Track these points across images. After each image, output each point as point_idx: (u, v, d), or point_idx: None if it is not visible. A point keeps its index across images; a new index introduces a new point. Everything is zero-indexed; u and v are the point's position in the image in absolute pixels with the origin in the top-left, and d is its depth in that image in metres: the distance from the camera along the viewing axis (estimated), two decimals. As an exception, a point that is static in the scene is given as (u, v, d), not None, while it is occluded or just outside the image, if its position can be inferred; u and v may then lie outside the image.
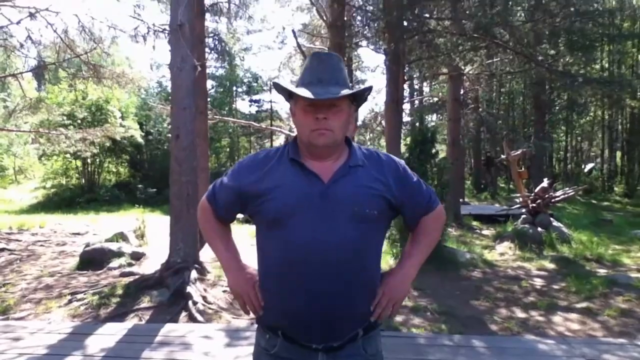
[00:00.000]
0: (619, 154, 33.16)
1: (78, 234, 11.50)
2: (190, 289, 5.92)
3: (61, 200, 20.47)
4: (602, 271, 7.93)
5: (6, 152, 27.68)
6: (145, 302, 5.98)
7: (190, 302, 5.66)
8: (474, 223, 13.60)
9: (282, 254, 1.62)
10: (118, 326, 5.07)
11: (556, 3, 9.39)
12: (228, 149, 30.72)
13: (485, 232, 12.19)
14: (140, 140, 22.02)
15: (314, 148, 1.64)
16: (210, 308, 5.69)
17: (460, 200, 16.27)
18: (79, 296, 6.28)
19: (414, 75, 17.92)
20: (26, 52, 12.20)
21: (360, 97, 1.73)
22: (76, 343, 4.49)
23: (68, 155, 21.34)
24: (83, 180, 22.52)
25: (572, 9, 10.37)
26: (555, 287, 7.08)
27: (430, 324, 5.54)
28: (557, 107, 28.08)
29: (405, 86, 19.16)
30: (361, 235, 1.61)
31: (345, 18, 11.50)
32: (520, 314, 5.96)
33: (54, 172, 22.95)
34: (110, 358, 4.21)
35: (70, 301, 6.19)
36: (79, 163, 22.36)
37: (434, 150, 8.55)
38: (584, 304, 6.27)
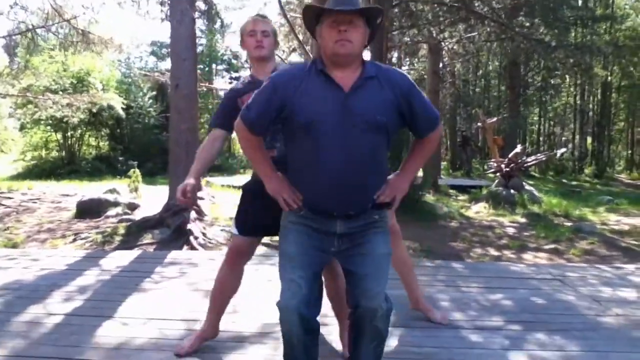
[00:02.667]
0: (589, 138, 34.22)
1: (68, 195, 11.72)
2: (190, 226, 6.34)
3: (41, 172, 20.46)
4: (568, 224, 8.54)
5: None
6: (147, 239, 6.39)
7: (191, 237, 6.09)
8: (451, 191, 14.19)
9: (310, 152, 2.07)
10: (128, 252, 5.48)
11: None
12: (207, 126, 30.93)
13: (461, 197, 12.79)
14: (121, 113, 22.06)
15: (336, 57, 2.04)
16: (210, 242, 6.14)
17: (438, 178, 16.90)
18: (82, 235, 6.65)
19: (395, 46, 18.35)
20: (14, 17, 12.32)
21: (373, 23, 2.13)
22: (92, 263, 4.89)
23: (48, 128, 21.40)
24: (63, 153, 22.53)
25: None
26: (526, 234, 7.69)
27: (413, 259, 6.05)
28: (531, 89, 28.89)
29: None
30: (370, 137, 2.05)
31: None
32: (493, 252, 6.54)
33: (33, 145, 22.91)
34: (127, 272, 4.63)
35: (74, 239, 6.56)
36: (59, 136, 22.37)
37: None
38: (551, 246, 6.88)
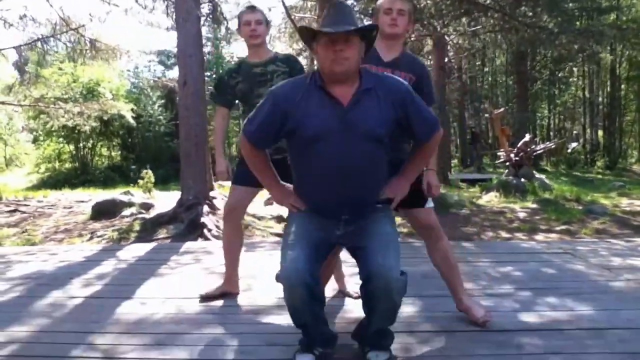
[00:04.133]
0: (600, 131, 33.97)
1: (82, 201, 11.84)
2: (204, 219, 6.44)
3: (55, 182, 20.73)
4: (580, 207, 8.54)
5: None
6: (162, 233, 6.50)
7: (205, 230, 6.18)
8: (461, 184, 14.20)
9: (313, 164, 2.19)
10: (144, 245, 5.60)
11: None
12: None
13: (472, 189, 12.78)
14: (132, 122, 22.26)
15: (334, 75, 2.13)
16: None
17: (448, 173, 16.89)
18: (99, 233, 6.77)
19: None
20: (23, 27, 12.50)
21: (368, 36, 2.21)
22: (109, 254, 5.00)
23: (61, 139, 21.72)
24: (76, 164, 22.82)
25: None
26: (537, 217, 7.71)
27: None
28: (538, 83, 28.80)
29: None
30: (370, 149, 2.16)
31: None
32: (505, 234, 6.58)
33: (47, 157, 23.24)
34: (144, 261, 4.73)
35: (91, 237, 6.68)
36: (71, 147, 22.68)
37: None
38: (563, 227, 6.90)
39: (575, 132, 37.87)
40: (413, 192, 2.56)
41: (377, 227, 2.25)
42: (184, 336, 2.74)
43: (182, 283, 3.87)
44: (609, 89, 32.49)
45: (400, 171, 2.40)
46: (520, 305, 3.15)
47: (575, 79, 32.14)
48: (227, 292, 3.44)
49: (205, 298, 3.38)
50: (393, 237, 2.28)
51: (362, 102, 2.13)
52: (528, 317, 2.93)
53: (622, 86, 32.46)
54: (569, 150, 30.84)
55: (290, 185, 2.37)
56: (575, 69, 29.47)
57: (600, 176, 22.99)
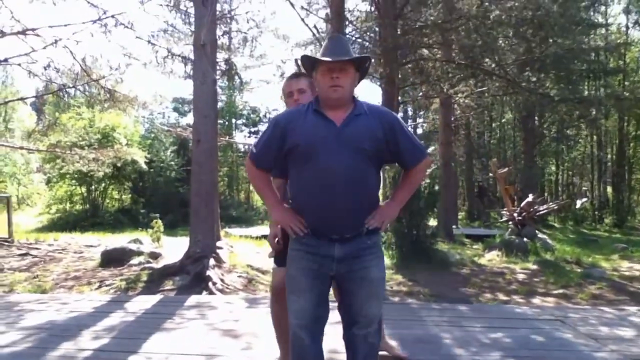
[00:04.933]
0: (610, 188, 33.99)
1: (92, 246, 12.10)
2: (209, 272, 6.66)
3: (65, 224, 21.01)
4: (579, 270, 8.67)
5: (10, 179, 28.45)
6: (168, 285, 6.71)
7: (210, 283, 6.39)
8: (465, 240, 14.34)
9: (310, 177, 2.42)
10: (150, 297, 5.80)
11: (533, 32, 10.44)
12: (227, 178, 31.60)
13: (475, 246, 12.92)
14: (144, 166, 22.67)
15: (329, 100, 2.42)
16: (228, 288, 6.42)
17: (453, 227, 17.04)
18: (107, 282, 6.99)
19: (407, 101, 18.91)
20: (48, 78, 13.05)
21: (362, 66, 2.51)
22: (117, 306, 5.21)
23: (73, 182, 22.15)
24: (87, 206, 23.15)
25: (550, 40, 11.43)
26: (536, 279, 7.85)
27: (421, 303, 6.26)
28: (546, 140, 29.11)
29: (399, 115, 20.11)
30: (362, 163, 2.40)
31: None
32: (502, 297, 6.71)
33: (59, 198, 23.62)
34: (150, 314, 4.93)
35: (100, 286, 6.90)
36: (83, 189, 23.07)
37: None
38: (560, 291, 7.04)
39: (584, 188, 37.96)
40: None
41: (367, 272, 2.45)
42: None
43: (186, 339, 4.06)
44: (616, 147, 32.73)
45: (390, 196, 2.62)
46: (505, 375, 3.31)
47: (583, 137, 32.47)
48: None
49: None
50: (381, 285, 2.51)
51: (355, 122, 2.40)
52: (511, 387, 3.09)
53: (631, 144, 32.67)
54: (577, 207, 30.80)
55: (289, 206, 2.56)
56: (583, 126, 29.79)
57: (607, 234, 22.94)
